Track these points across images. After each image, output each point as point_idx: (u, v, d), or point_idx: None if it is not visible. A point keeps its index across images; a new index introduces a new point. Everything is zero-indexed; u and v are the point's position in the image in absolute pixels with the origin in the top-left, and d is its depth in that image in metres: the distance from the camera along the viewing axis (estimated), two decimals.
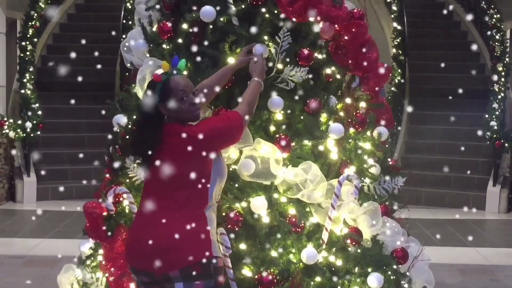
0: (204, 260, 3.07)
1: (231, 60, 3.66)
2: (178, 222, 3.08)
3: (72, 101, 10.48)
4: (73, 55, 11.25)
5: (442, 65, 11.40)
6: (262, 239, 3.58)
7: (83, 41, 12.75)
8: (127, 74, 4.92)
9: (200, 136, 3.07)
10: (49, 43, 13.42)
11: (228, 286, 3.39)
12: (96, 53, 13.09)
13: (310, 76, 3.74)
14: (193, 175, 3.08)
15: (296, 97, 3.74)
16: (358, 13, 3.97)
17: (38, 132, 10.62)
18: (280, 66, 3.69)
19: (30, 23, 11.51)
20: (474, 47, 12.76)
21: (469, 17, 12.54)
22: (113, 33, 10.94)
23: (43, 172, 10.73)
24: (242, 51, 3.64)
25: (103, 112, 4.60)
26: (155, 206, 3.14)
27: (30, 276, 6.55)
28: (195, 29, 3.74)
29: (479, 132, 10.17)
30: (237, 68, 3.61)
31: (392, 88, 12.33)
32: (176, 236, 3.04)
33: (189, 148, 3.07)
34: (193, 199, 3.13)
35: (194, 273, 3.04)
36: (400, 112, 12.33)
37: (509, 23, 12.53)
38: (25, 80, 11.04)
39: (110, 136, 4.07)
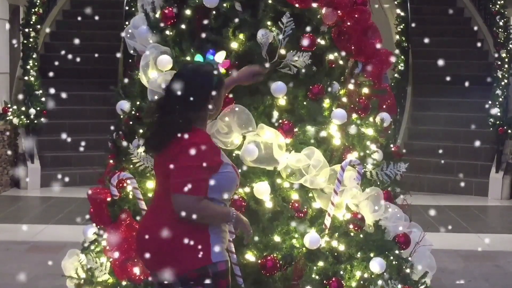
0: (201, 267, 3.02)
1: (234, 45, 3.66)
2: (175, 228, 3.01)
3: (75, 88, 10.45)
4: (76, 41, 11.28)
5: (446, 51, 11.38)
6: (265, 224, 3.61)
7: (86, 28, 12.75)
8: (130, 60, 4.93)
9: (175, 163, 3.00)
10: (52, 30, 13.41)
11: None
12: (99, 40, 13.11)
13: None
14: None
15: (299, 83, 3.75)
16: None
17: (42, 119, 10.64)
18: (283, 51, 3.69)
19: (33, 10, 11.50)
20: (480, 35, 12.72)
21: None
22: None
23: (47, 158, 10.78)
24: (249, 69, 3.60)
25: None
26: (156, 209, 3.16)
27: (35, 262, 6.59)
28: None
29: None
30: (237, 83, 3.59)
31: (396, 75, 12.31)
32: (172, 242, 3.00)
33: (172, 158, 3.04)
34: None
35: (192, 280, 3.01)
36: (404, 99, 12.32)
37: None
38: (28, 67, 11.05)
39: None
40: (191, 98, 3.06)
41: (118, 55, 12.01)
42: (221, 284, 3.07)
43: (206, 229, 3.05)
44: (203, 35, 3.73)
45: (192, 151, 2.97)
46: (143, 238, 3.10)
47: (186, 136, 3.01)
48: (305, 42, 3.69)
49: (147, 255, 3.06)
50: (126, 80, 4.11)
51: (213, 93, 3.12)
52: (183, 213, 2.95)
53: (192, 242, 3.00)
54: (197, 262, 3.01)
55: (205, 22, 3.72)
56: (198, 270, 3.01)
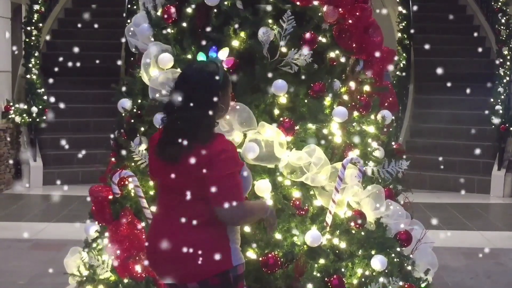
0: (224, 272, 2.94)
1: (235, 43, 3.67)
2: (195, 232, 2.92)
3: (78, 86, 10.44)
4: (78, 40, 11.29)
5: (447, 49, 11.34)
6: None
7: (88, 26, 12.75)
8: (132, 58, 4.94)
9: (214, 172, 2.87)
10: (54, 28, 13.42)
11: None
12: (101, 38, 13.13)
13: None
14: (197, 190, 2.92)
15: (300, 81, 3.75)
16: None
17: (44, 117, 10.65)
18: (284, 49, 3.69)
19: (35, 8, 11.51)
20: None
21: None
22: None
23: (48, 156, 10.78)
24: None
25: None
26: (169, 216, 3.01)
27: (37, 260, 6.60)
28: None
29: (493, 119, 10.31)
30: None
31: (397, 73, 12.31)
32: (193, 247, 2.88)
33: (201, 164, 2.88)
34: (208, 210, 2.92)
35: (213, 285, 2.93)
36: (405, 96, 12.32)
37: None
38: (30, 65, 11.06)
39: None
40: (201, 101, 2.91)
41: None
42: (239, 287, 3.04)
43: (225, 231, 2.98)
44: (204, 36, 3.73)
45: (225, 158, 2.89)
46: (159, 245, 2.94)
47: (211, 143, 2.90)
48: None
49: (165, 262, 2.98)
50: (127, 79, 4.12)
51: (221, 93, 2.98)
52: (233, 223, 2.95)
53: (213, 246, 2.92)
54: (218, 267, 2.93)
55: (206, 20, 3.73)
56: (220, 275, 2.94)
